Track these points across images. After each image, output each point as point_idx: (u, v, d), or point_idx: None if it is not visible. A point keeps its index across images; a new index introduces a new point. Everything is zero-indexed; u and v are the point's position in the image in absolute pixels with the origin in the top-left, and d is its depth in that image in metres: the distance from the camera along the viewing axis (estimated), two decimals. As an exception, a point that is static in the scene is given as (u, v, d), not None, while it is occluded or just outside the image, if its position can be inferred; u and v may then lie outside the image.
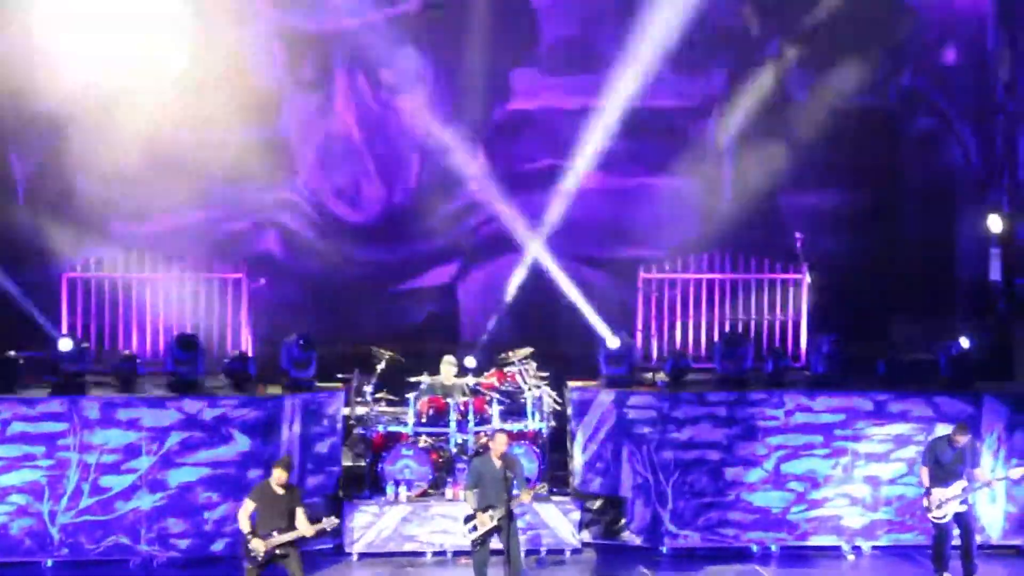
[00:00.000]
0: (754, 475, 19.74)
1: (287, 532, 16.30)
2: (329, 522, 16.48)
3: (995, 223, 21.56)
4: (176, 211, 22.27)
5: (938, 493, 18.32)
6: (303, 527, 16.35)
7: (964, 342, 20.26)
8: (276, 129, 22.68)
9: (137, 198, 22.10)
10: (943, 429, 19.15)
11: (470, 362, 20.72)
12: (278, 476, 16.52)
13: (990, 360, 21.13)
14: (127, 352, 20.06)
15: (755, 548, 19.76)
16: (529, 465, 19.24)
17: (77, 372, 19.23)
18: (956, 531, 18.42)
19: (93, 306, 21.06)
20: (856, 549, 19.86)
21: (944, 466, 18.32)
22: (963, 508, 18.35)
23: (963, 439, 18.31)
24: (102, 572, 18.61)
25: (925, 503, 18.49)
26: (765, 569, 19.17)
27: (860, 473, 19.85)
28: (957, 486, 18.29)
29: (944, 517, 18.34)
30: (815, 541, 19.83)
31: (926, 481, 18.44)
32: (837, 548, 19.84)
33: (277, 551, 16.35)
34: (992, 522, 19.83)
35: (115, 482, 18.81)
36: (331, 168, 23.02)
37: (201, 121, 21.98)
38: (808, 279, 21.76)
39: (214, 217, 22.46)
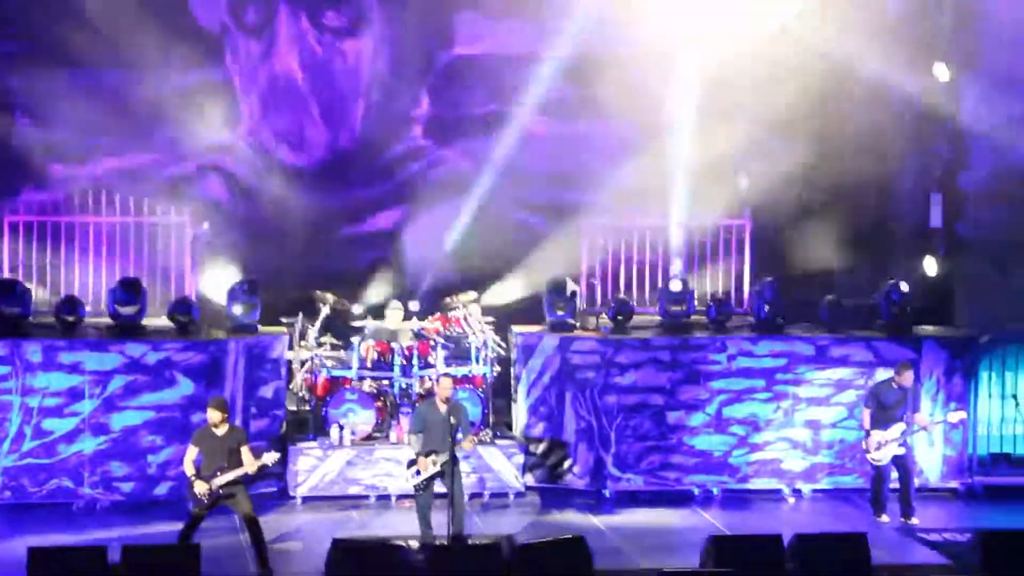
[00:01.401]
0: (696, 419, 19.87)
1: (229, 471, 16.28)
2: (270, 457, 16.41)
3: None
4: (118, 154, 22.09)
5: (877, 435, 18.55)
6: (247, 464, 16.33)
7: (904, 287, 20.47)
8: (219, 72, 22.50)
9: (79, 140, 21.89)
10: (884, 373, 19.36)
11: (413, 306, 20.75)
12: (210, 416, 16.49)
13: (930, 305, 21.35)
14: (69, 296, 19.95)
15: (697, 491, 19.91)
16: (473, 409, 19.26)
17: (19, 316, 19.14)
18: (895, 474, 18.68)
19: (35, 249, 20.94)
20: (796, 492, 20.04)
21: (887, 409, 18.53)
22: (901, 451, 18.61)
23: (907, 377, 18.53)
24: (45, 515, 18.53)
25: (864, 445, 18.72)
26: (707, 512, 19.32)
27: (801, 417, 20.02)
28: (896, 429, 18.51)
29: (883, 459, 18.58)
30: (756, 484, 20.00)
31: (867, 423, 18.66)
32: (778, 491, 20.02)
33: (222, 491, 16.34)
34: (930, 465, 20.05)
35: (58, 425, 18.75)
36: (275, 112, 22.85)
37: (145, 63, 21.80)
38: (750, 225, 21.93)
39: (157, 161, 22.30)
